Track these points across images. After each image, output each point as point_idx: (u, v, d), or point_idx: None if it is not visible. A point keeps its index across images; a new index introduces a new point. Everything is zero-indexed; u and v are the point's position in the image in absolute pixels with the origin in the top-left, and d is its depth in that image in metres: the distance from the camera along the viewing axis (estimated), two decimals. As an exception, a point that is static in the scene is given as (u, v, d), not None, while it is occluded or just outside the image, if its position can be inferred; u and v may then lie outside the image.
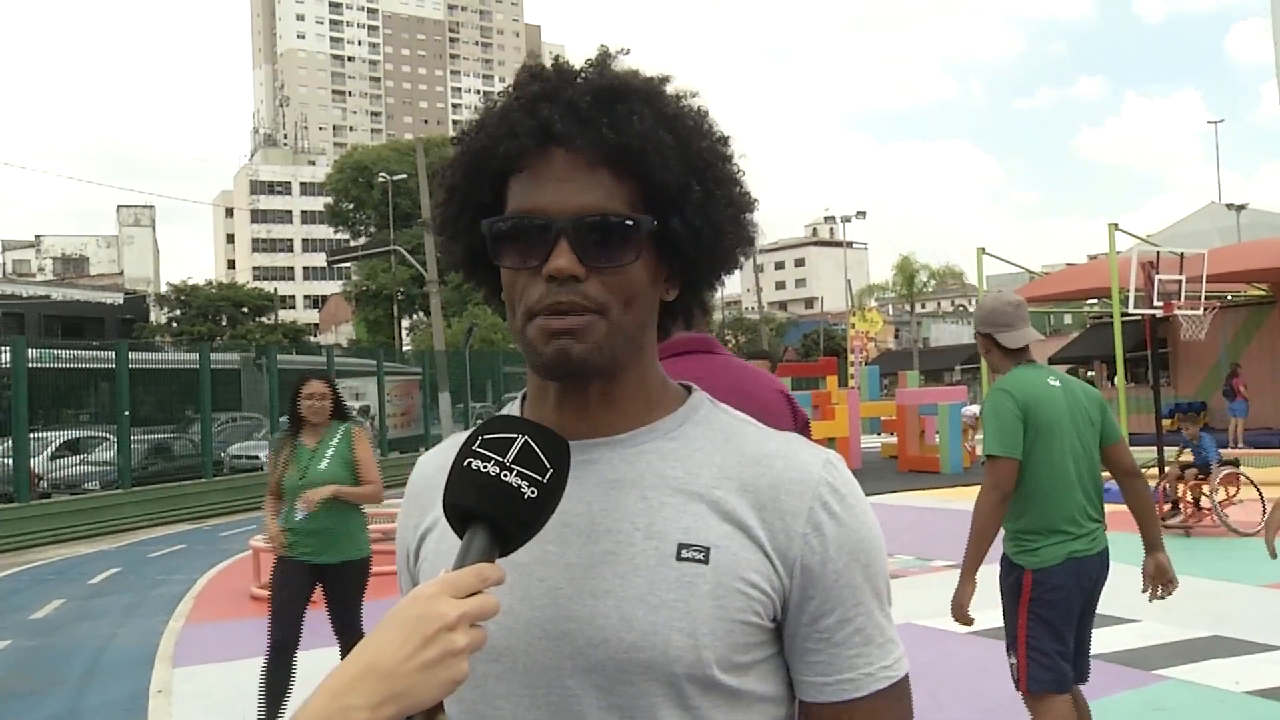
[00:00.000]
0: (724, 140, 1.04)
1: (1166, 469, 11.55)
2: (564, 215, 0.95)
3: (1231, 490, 10.88)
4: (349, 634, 5.02)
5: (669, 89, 1.03)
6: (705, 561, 0.96)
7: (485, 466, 0.89)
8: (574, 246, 0.95)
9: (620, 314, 0.98)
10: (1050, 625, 3.53)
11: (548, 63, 1.04)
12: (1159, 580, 3.81)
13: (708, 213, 1.00)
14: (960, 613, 3.67)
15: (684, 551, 0.97)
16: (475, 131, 1.02)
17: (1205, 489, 10.70)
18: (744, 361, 2.44)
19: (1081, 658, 3.70)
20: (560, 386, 1.02)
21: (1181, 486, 11.01)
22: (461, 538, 0.89)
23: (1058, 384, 3.76)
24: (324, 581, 5.04)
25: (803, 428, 2.40)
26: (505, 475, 0.89)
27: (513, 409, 1.10)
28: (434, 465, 1.12)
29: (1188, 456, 11.19)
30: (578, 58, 1.06)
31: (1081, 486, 3.63)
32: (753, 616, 0.97)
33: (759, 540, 0.98)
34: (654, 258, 1.01)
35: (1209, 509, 10.69)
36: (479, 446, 0.91)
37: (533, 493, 0.89)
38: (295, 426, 5.12)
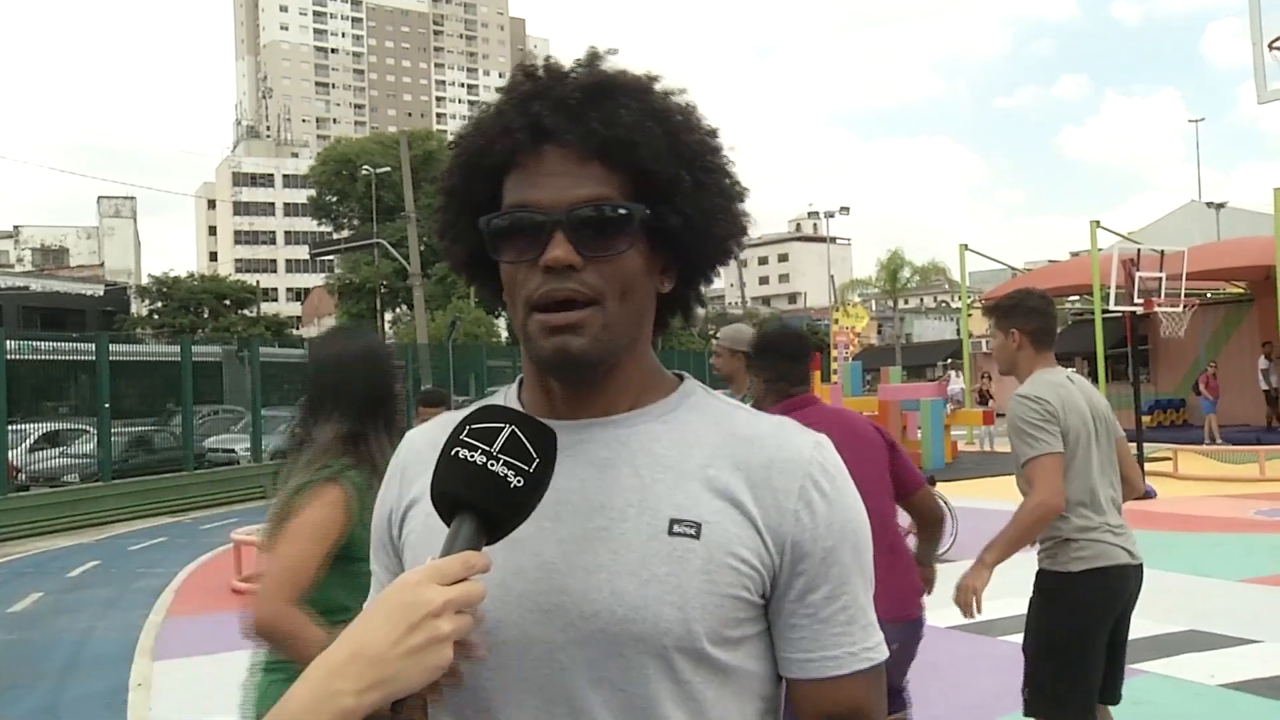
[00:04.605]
0: (713, 133, 1.06)
1: None
2: (558, 208, 0.98)
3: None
4: None
5: (658, 86, 1.05)
6: (696, 536, 0.98)
7: (472, 456, 0.90)
8: (570, 237, 0.97)
9: (616, 304, 1.00)
10: None
11: (540, 61, 1.05)
12: None
13: (699, 202, 1.02)
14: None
15: (675, 526, 0.99)
16: (471, 133, 1.04)
17: None
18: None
19: None
20: (556, 379, 1.04)
21: None
22: (449, 525, 0.90)
23: None
24: None
25: (891, 447, 3.46)
26: (492, 464, 0.90)
27: (507, 395, 1.12)
28: (425, 440, 1.13)
29: None
30: (563, 51, 1.09)
31: None
32: (743, 592, 0.99)
33: (751, 516, 1.00)
34: (648, 248, 1.03)
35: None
36: (466, 436, 0.92)
37: (519, 482, 0.90)
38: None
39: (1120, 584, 3.39)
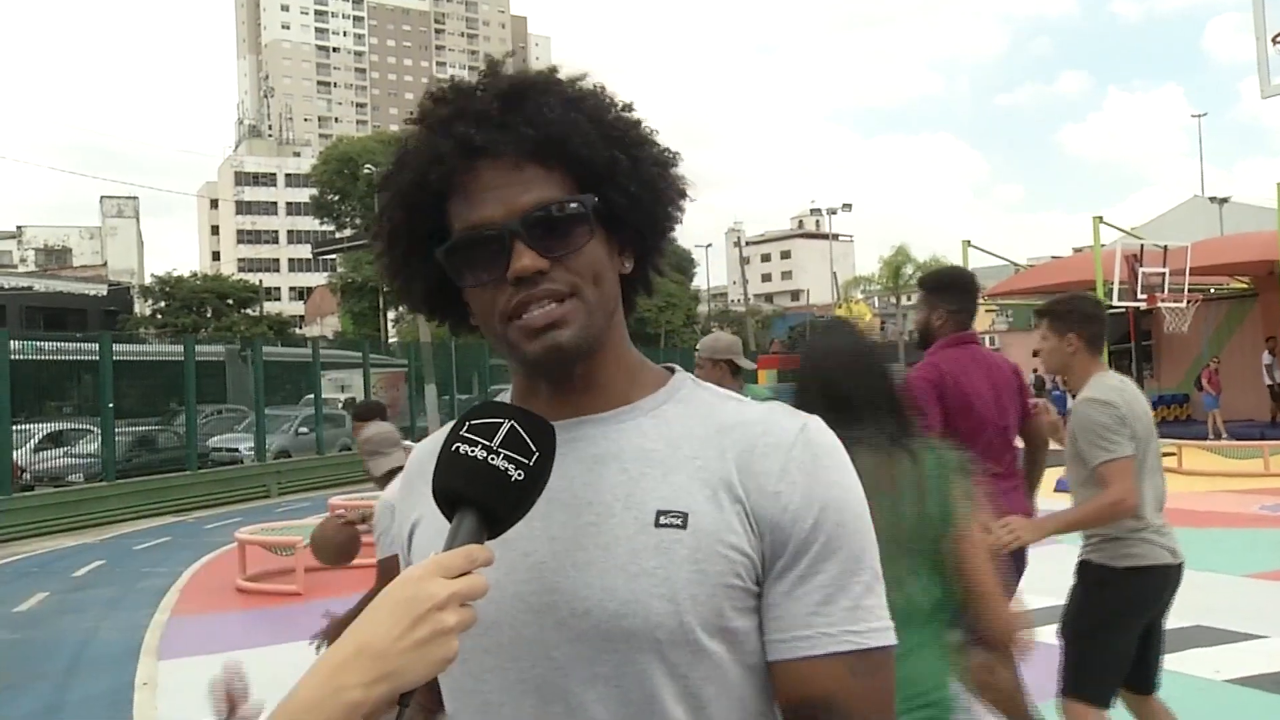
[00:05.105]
0: (629, 107, 1.06)
1: None
2: (511, 218, 0.98)
3: None
4: None
5: (563, 76, 1.05)
6: (683, 526, 0.97)
7: (472, 451, 0.91)
8: (530, 244, 0.97)
9: (593, 292, 1.00)
10: None
11: (444, 84, 1.06)
12: None
13: (639, 176, 1.03)
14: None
15: (662, 518, 0.98)
16: (398, 171, 1.04)
17: None
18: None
19: None
20: (548, 378, 1.04)
21: None
22: (450, 521, 0.91)
23: None
24: None
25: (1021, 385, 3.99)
26: (492, 459, 0.90)
27: (505, 400, 1.12)
28: (427, 452, 1.13)
29: None
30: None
31: None
32: (735, 579, 0.97)
33: (738, 501, 0.99)
34: (604, 233, 1.03)
35: None
36: (466, 431, 0.92)
37: (519, 475, 0.90)
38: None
39: (1162, 583, 3.51)
